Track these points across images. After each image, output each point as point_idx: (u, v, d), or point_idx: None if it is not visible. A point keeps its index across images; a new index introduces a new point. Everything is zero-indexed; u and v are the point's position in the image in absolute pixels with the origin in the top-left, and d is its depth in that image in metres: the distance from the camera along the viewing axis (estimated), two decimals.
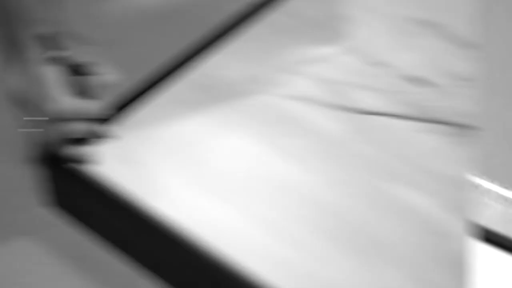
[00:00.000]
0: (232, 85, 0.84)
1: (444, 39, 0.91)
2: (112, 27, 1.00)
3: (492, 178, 0.82)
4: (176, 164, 0.74)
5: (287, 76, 0.85)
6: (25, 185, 0.80)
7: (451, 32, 0.92)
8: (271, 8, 0.94)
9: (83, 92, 0.72)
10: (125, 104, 0.80)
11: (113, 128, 0.77)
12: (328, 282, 0.66)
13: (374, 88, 0.84)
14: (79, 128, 0.71)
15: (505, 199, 0.81)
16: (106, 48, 0.75)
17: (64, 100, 0.68)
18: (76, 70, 0.72)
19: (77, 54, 0.72)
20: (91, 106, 0.71)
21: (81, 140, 0.74)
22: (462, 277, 0.67)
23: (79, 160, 0.74)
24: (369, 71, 0.86)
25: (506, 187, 0.81)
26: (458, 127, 0.80)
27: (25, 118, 0.72)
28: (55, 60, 0.69)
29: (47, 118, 0.69)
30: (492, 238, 0.78)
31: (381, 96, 0.83)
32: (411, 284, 0.66)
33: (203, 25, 0.99)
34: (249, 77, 0.85)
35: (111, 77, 0.73)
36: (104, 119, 0.74)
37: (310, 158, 0.76)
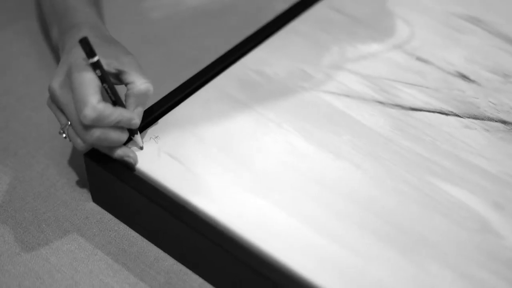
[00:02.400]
0: (276, 81, 0.84)
1: (491, 36, 0.90)
2: (157, 25, 1.00)
3: None
4: (218, 161, 0.74)
5: (331, 72, 0.85)
6: (71, 182, 0.81)
7: (498, 29, 0.91)
8: (317, 4, 0.94)
9: (118, 100, 0.72)
10: (168, 101, 0.80)
11: (153, 127, 0.77)
12: (373, 278, 0.66)
13: (421, 85, 0.84)
14: (113, 136, 0.71)
15: None
16: (140, 58, 0.75)
17: (100, 106, 0.68)
18: (112, 78, 0.73)
19: (114, 62, 0.72)
20: (125, 114, 0.71)
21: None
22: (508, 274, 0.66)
23: (120, 159, 0.74)
24: (416, 68, 0.86)
25: None
26: (505, 124, 0.79)
27: (63, 122, 0.73)
28: (95, 66, 0.69)
29: (82, 123, 0.69)
30: None
31: (428, 93, 0.82)
32: (458, 281, 0.65)
33: (249, 21, 1.00)
34: (294, 73, 0.84)
35: (143, 87, 0.72)
36: (136, 129, 0.74)
37: (355, 154, 0.75)
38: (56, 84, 0.71)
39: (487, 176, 0.74)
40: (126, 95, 0.73)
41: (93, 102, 0.68)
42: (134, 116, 0.72)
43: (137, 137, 0.75)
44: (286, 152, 0.76)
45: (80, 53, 0.70)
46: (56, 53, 0.86)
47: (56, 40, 0.80)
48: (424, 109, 0.81)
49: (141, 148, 0.75)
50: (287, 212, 0.70)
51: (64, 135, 0.73)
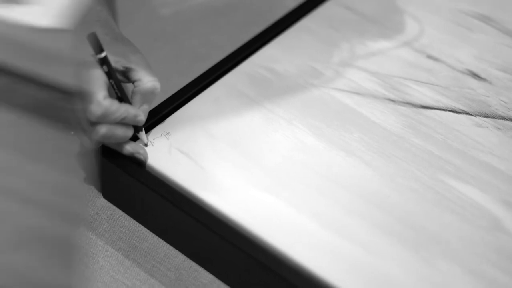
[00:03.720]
0: (287, 78, 0.84)
1: (502, 34, 0.90)
2: (167, 21, 1.00)
3: None
4: (229, 157, 0.75)
5: (341, 70, 0.85)
6: (81, 178, 0.81)
7: (508, 27, 0.91)
8: (327, 2, 0.94)
9: (124, 97, 0.72)
10: (179, 97, 0.80)
11: (164, 124, 0.77)
12: (383, 275, 0.66)
13: (431, 83, 0.84)
14: (119, 132, 0.71)
15: None
16: (148, 55, 0.75)
17: (106, 103, 0.68)
18: (120, 76, 0.73)
19: (122, 60, 0.72)
20: (130, 110, 0.71)
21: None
22: None
23: (130, 155, 0.74)
24: (426, 66, 0.86)
25: None
26: None
27: (71, 118, 0.73)
28: (102, 62, 0.69)
29: (88, 119, 0.69)
30: None
31: (438, 91, 0.82)
32: (468, 279, 0.65)
33: (259, 18, 1.00)
34: (304, 71, 0.85)
35: (150, 84, 0.72)
36: (141, 126, 0.74)
37: (365, 152, 0.75)
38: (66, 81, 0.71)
39: (498, 175, 0.74)
40: (133, 92, 0.73)
41: (99, 98, 0.68)
42: (140, 112, 0.72)
43: (142, 134, 0.75)
44: (296, 149, 0.76)
45: (88, 50, 0.70)
46: None
47: None
48: (435, 107, 0.81)
49: (146, 145, 0.75)
50: (296, 208, 0.70)
51: (71, 132, 0.73)
